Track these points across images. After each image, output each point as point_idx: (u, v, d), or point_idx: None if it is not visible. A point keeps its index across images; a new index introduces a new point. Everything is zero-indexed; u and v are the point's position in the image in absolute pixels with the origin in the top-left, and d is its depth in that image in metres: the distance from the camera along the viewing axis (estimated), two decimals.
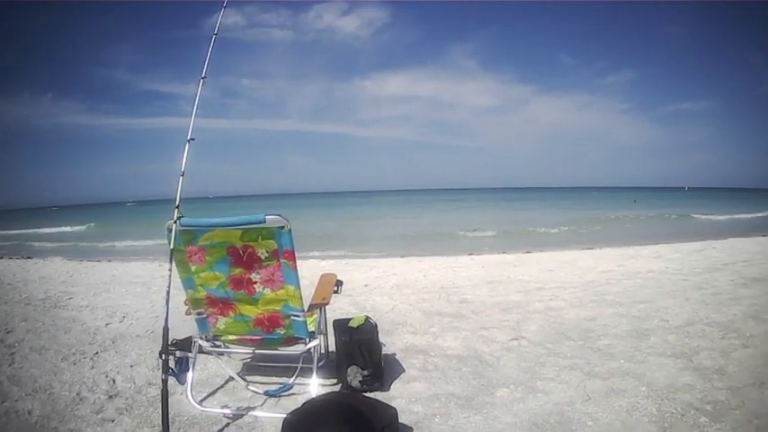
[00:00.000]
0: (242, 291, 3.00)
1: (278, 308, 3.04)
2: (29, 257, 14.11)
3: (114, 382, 3.59)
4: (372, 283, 7.50)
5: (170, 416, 2.72)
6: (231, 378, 3.57)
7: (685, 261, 8.61)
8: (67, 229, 29.33)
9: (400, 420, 2.76)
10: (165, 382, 2.71)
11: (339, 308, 5.12)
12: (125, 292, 7.05)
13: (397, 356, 3.95)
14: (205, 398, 3.33)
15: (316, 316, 3.34)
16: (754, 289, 5.89)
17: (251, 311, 3.08)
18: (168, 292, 2.78)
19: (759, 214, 26.35)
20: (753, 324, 4.41)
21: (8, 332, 4.78)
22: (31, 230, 28.48)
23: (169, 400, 2.74)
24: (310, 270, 5.38)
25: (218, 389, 3.47)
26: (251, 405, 3.19)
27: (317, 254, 12.54)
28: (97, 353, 4.20)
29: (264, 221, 2.74)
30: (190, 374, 3.12)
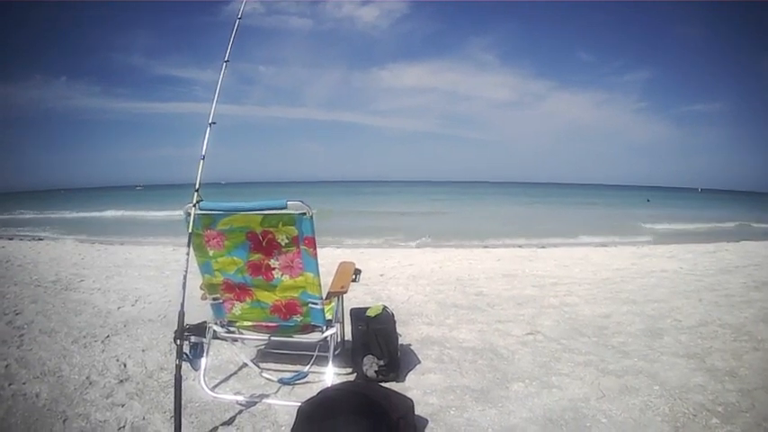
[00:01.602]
0: (260, 277, 2.97)
1: (296, 295, 3.00)
2: (40, 239, 14.19)
3: (125, 366, 3.59)
4: (388, 272, 7.49)
5: (182, 402, 2.69)
6: (245, 365, 3.56)
7: (698, 262, 8.59)
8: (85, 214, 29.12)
9: (416, 412, 2.74)
10: (178, 367, 2.67)
11: (354, 297, 5.09)
12: (138, 276, 7.07)
13: (412, 347, 3.94)
14: (218, 384, 3.32)
15: (333, 304, 3.33)
16: (766, 293, 5.88)
17: (268, 298, 3.05)
18: (185, 277, 2.76)
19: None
20: (764, 327, 4.40)
21: (17, 314, 4.81)
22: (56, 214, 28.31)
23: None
24: (326, 258, 5.36)
25: (232, 375, 3.46)
26: (264, 393, 3.17)
27: (331, 241, 12.54)
28: (108, 336, 4.21)
29: (286, 207, 2.70)
30: (203, 360, 3.10)
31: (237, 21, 3.19)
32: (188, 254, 2.81)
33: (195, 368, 3.06)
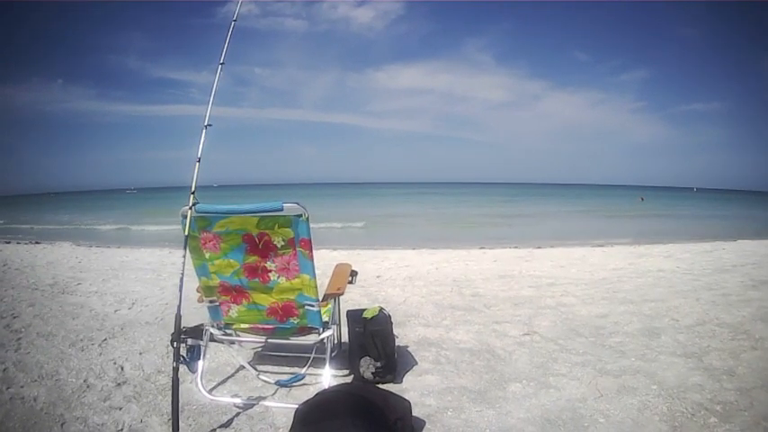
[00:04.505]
0: (256, 279, 2.97)
1: (292, 297, 3.00)
2: (37, 242, 14.17)
3: (122, 369, 3.58)
4: (384, 274, 7.50)
5: (179, 404, 2.68)
6: (242, 367, 3.56)
7: (695, 261, 8.60)
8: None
9: (413, 413, 2.74)
10: (176, 370, 2.67)
11: (351, 299, 5.09)
12: (135, 279, 7.08)
13: (409, 349, 3.94)
14: (215, 387, 3.31)
15: (330, 306, 3.33)
16: (764, 291, 5.87)
17: (265, 300, 3.05)
18: (182, 279, 2.75)
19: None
20: (762, 326, 4.39)
21: (15, 317, 4.80)
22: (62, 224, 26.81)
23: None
24: (322, 260, 5.38)
25: (229, 378, 3.45)
26: (262, 395, 3.17)
27: (328, 242, 12.54)
28: (105, 339, 4.20)
29: (282, 209, 2.70)
30: (200, 363, 3.08)
31: (233, 23, 3.18)
32: (184, 256, 2.81)
33: (192, 371, 3.04)
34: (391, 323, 3.53)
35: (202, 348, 3.10)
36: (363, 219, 24.65)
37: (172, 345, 2.75)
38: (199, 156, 2.92)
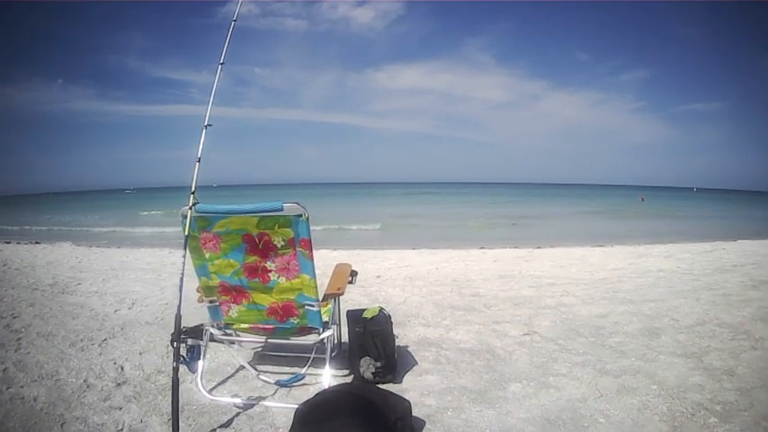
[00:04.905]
0: (256, 279, 2.97)
1: (292, 297, 3.01)
2: (37, 242, 14.17)
3: (122, 369, 3.58)
4: (384, 274, 7.49)
5: (179, 404, 2.68)
6: (242, 367, 3.55)
7: (695, 261, 8.59)
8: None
9: (413, 413, 2.74)
10: (176, 370, 2.67)
11: (351, 299, 5.09)
12: (135, 279, 7.08)
13: (409, 349, 3.94)
14: (215, 387, 3.31)
15: (330, 306, 3.33)
16: (764, 291, 5.86)
17: (265, 300, 3.05)
18: (182, 279, 2.75)
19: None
20: (762, 326, 4.38)
21: (15, 317, 4.80)
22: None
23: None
24: (322, 260, 5.39)
25: (229, 378, 3.45)
26: (262, 395, 3.17)
27: (328, 243, 12.52)
28: (105, 339, 4.20)
29: (282, 209, 2.71)
30: (200, 363, 3.07)
31: (233, 23, 3.18)
32: (184, 256, 2.81)
33: (192, 371, 3.03)
34: (391, 323, 3.53)
35: (202, 348, 3.10)
36: (367, 220, 24.42)
37: (172, 345, 2.74)
38: (199, 156, 2.92)
